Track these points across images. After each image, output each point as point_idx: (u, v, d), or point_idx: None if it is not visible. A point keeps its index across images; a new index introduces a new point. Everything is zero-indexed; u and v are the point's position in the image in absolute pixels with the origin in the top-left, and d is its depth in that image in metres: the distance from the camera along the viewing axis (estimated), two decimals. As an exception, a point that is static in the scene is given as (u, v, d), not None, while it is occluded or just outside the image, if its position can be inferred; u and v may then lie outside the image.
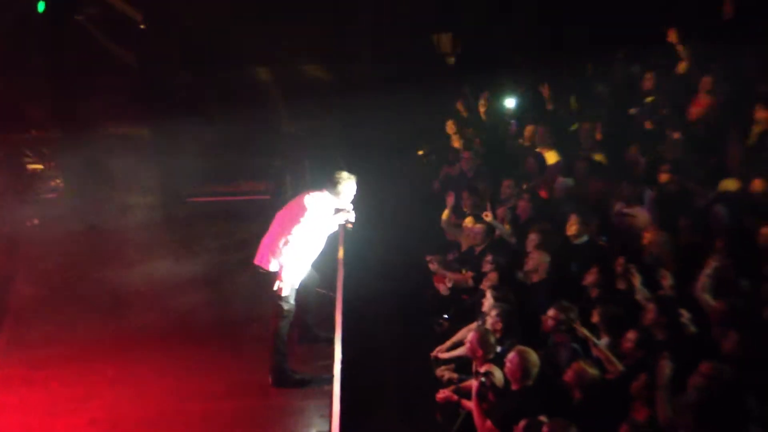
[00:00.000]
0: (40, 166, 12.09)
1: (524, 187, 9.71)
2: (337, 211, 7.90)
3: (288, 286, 7.79)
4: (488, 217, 9.07)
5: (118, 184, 10.79)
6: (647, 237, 7.86)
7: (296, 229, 7.72)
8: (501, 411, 6.35)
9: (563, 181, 9.36)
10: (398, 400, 7.60)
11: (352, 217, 7.93)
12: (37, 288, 9.89)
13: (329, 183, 7.86)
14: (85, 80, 12.57)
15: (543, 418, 5.97)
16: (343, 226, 8.01)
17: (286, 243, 7.73)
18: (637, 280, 7.33)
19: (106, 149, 11.18)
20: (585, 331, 6.74)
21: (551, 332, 7.19)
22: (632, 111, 10.84)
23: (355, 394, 7.35)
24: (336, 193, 7.84)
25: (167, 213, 10.51)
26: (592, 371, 6.35)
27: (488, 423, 6.38)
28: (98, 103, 12.29)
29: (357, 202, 7.99)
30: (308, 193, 7.86)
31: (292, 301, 7.87)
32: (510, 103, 12.18)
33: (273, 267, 7.78)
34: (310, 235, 7.80)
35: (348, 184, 7.87)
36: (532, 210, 9.29)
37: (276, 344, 7.84)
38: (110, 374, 8.20)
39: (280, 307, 7.80)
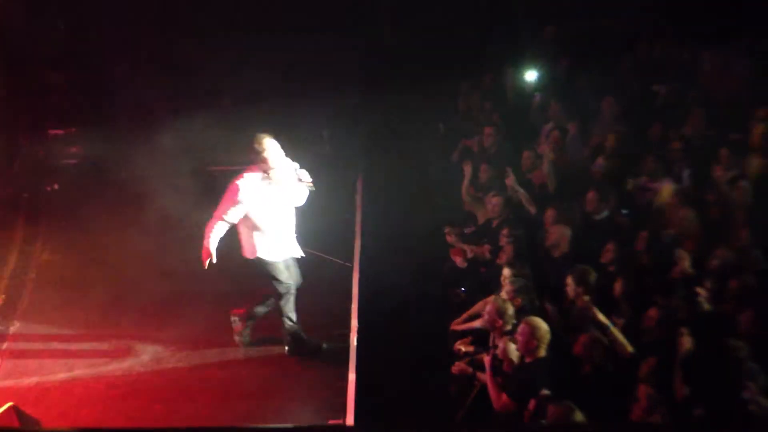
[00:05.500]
0: (60, 132, 12.10)
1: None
2: (293, 176, 7.63)
3: (273, 266, 7.75)
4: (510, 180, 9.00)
5: (138, 150, 10.78)
6: (676, 213, 7.82)
7: (236, 212, 7.57)
8: (515, 384, 6.34)
9: (602, 164, 9.22)
10: (413, 372, 7.60)
11: (305, 175, 7.65)
12: (56, 253, 9.96)
13: (252, 153, 7.55)
14: (104, 45, 12.56)
15: (545, 392, 5.98)
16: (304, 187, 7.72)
17: (240, 227, 7.69)
18: (686, 262, 7.26)
19: (126, 115, 11.18)
20: (602, 317, 6.69)
21: (573, 300, 7.18)
22: (655, 87, 10.75)
23: (370, 363, 7.37)
24: (262, 160, 7.51)
25: (186, 181, 10.50)
26: (603, 344, 6.33)
27: (503, 396, 6.36)
28: (119, 70, 12.28)
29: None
30: (239, 176, 7.61)
31: (284, 278, 7.81)
32: (533, 76, 12.05)
33: (247, 254, 7.77)
34: (263, 212, 7.61)
35: (269, 144, 7.50)
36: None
37: (285, 322, 7.90)
38: (129, 340, 8.27)
39: (276, 288, 7.82)
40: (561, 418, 5.55)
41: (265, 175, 7.54)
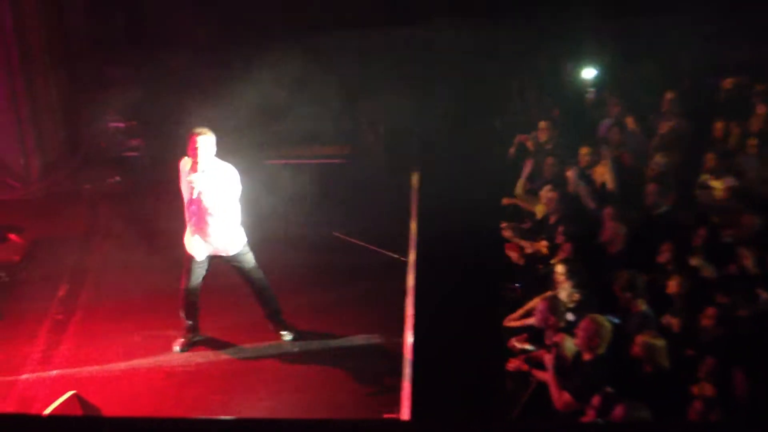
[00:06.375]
0: (121, 125, 12.31)
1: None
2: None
3: (187, 257, 7.80)
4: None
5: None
6: (740, 216, 7.69)
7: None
8: (577, 382, 6.29)
9: (661, 162, 9.12)
10: (469, 368, 7.58)
11: (197, 180, 7.48)
12: (116, 243, 10.13)
13: (187, 143, 7.51)
14: (165, 38, 12.73)
15: (609, 389, 5.93)
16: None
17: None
18: (749, 261, 7.16)
19: (186, 109, 11.31)
20: None
21: (622, 302, 7.11)
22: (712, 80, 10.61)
23: (426, 358, 7.37)
24: (192, 152, 7.45)
25: (244, 175, 10.60)
26: (659, 343, 6.24)
27: (565, 395, 6.32)
28: (179, 63, 12.43)
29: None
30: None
31: (188, 276, 7.83)
32: (589, 72, 11.97)
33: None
34: (186, 202, 7.65)
35: (201, 140, 7.42)
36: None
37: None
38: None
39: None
40: (629, 417, 5.50)
41: (192, 166, 7.54)
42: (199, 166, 7.48)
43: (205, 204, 7.56)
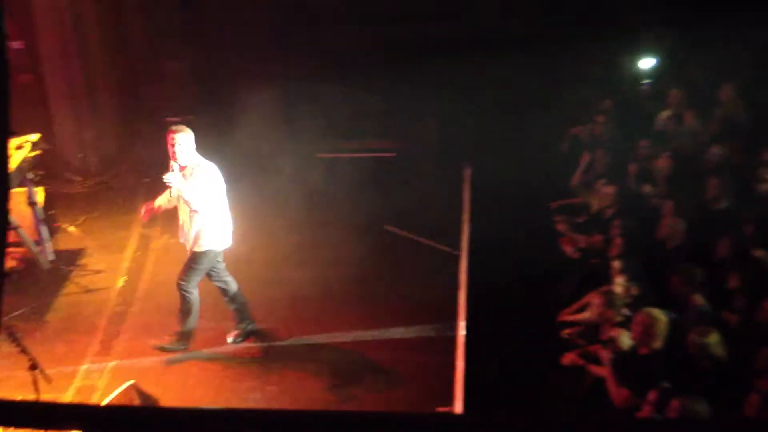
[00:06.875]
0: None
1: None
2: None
3: None
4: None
5: (252, 137, 11.01)
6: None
7: None
8: (634, 377, 6.21)
9: (715, 152, 8.98)
10: (522, 361, 7.54)
11: (171, 179, 7.44)
12: (174, 236, 10.23)
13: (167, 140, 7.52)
14: (220, 36, 12.83)
15: (666, 385, 5.85)
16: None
17: None
18: None
19: (241, 103, 11.41)
20: None
21: (679, 296, 7.01)
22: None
23: (479, 352, 7.35)
24: (170, 149, 7.46)
25: (298, 169, 10.69)
26: (712, 339, 6.12)
27: (624, 390, 6.25)
28: (235, 58, 12.53)
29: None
30: None
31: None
32: (645, 63, 11.79)
33: None
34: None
35: (178, 138, 7.44)
36: (673, 169, 9.00)
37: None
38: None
39: None
40: (686, 412, 5.42)
41: (170, 165, 7.56)
42: (176, 164, 7.51)
43: (184, 201, 7.61)
